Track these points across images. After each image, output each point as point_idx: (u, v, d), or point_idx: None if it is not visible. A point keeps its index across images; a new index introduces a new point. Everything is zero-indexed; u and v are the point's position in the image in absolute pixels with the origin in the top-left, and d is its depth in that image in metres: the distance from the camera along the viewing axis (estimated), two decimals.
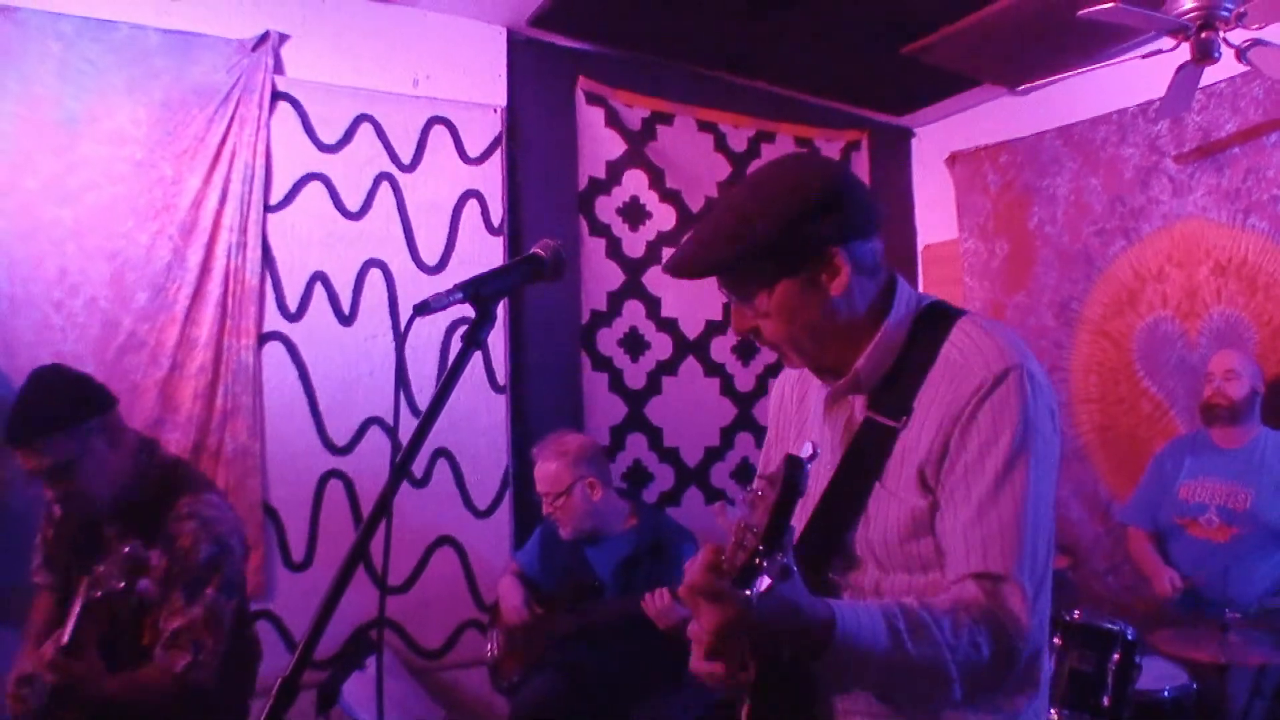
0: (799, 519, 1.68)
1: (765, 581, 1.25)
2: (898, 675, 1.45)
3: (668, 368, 5.16)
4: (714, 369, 5.29)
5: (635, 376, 5.06)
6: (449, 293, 1.48)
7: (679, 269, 1.65)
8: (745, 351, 5.32)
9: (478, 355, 4.46)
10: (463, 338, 1.51)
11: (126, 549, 2.59)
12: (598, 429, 4.86)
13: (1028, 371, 1.56)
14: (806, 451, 1.31)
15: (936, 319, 1.66)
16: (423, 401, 4.28)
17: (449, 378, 1.48)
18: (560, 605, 3.74)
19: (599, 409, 4.93)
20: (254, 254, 4.10)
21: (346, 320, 4.32)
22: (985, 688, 1.52)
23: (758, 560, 1.26)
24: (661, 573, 3.50)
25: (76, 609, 2.60)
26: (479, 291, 1.52)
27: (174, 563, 2.72)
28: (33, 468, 2.70)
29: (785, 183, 1.61)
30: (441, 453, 4.47)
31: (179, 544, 2.73)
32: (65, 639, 2.59)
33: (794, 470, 1.28)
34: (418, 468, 4.41)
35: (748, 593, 1.25)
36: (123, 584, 2.55)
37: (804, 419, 1.83)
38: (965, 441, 1.54)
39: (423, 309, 1.44)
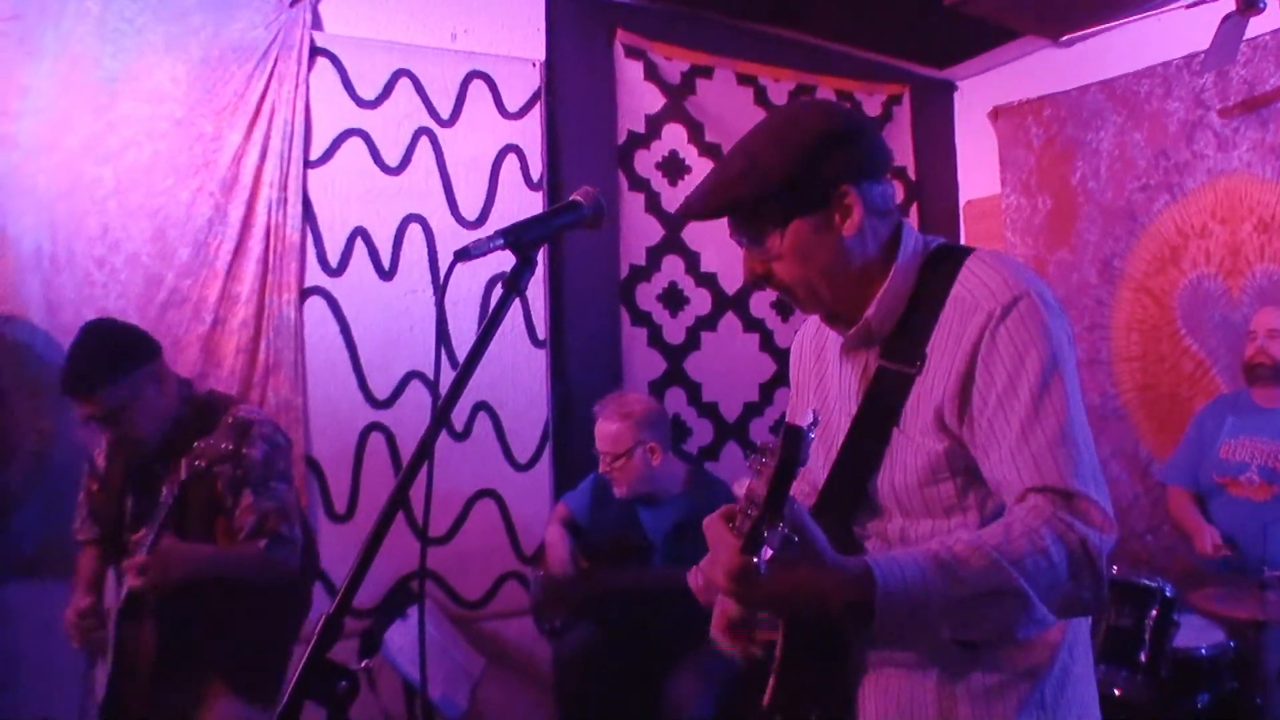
0: (823, 470, 1.72)
1: (767, 552, 1.26)
2: (965, 611, 1.38)
3: (707, 323, 5.15)
4: (753, 324, 5.28)
5: (674, 331, 5.06)
6: (490, 238, 1.48)
7: (691, 209, 1.66)
8: (785, 307, 5.29)
9: (517, 309, 4.49)
10: (503, 284, 1.51)
11: (230, 419, 2.98)
12: (636, 384, 4.87)
13: (1038, 295, 1.55)
14: (807, 419, 1.30)
15: (944, 260, 1.66)
16: (463, 356, 4.27)
17: (490, 323, 1.49)
18: (606, 559, 3.76)
19: (638, 364, 4.94)
20: (294, 210, 4.12)
21: (387, 275, 4.33)
22: (1074, 598, 1.43)
23: (762, 531, 1.27)
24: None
25: (174, 488, 2.82)
26: (520, 237, 1.52)
27: (234, 468, 2.98)
28: (89, 414, 2.92)
29: (796, 123, 1.61)
30: (482, 406, 4.49)
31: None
32: (152, 535, 2.81)
33: (792, 440, 1.27)
34: (458, 421, 4.44)
35: (754, 561, 1.26)
36: (231, 446, 2.84)
37: (823, 370, 1.84)
38: (991, 374, 1.53)
39: (463, 255, 1.45)
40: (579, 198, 1.67)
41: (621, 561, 3.73)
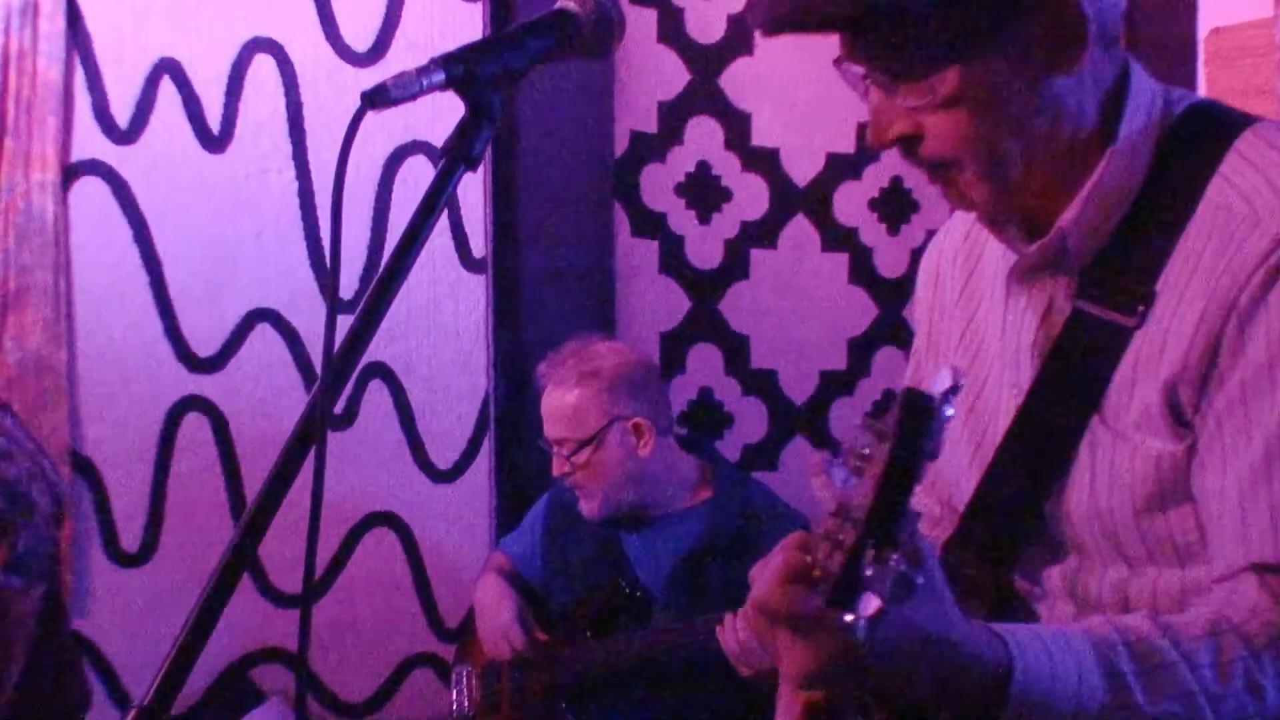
0: (969, 478, 1.76)
1: (873, 603, 1.24)
2: None
3: (761, 234, 5.15)
4: (839, 238, 5.28)
5: (705, 248, 5.07)
6: (423, 71, 1.45)
7: (792, 15, 1.60)
8: (893, 208, 5.27)
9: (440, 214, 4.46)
10: (443, 151, 1.48)
11: None
12: (641, 334, 4.89)
13: None
14: (942, 383, 1.28)
15: (1201, 135, 1.66)
16: (343, 284, 4.26)
17: (417, 224, 1.48)
18: (576, 628, 3.76)
19: (643, 301, 4.95)
20: (52, 28, 4.07)
21: (215, 144, 4.32)
22: None
23: (862, 567, 1.25)
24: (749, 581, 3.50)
25: None
26: (473, 70, 1.49)
27: None
28: None
29: None
30: (376, 370, 4.50)
31: None
32: None
33: (915, 415, 1.26)
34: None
35: (849, 619, 1.25)
36: None
37: (973, 310, 1.88)
38: (1244, 344, 1.53)
39: (378, 98, 1.43)
40: (570, 4, 1.62)
41: (600, 627, 3.74)
